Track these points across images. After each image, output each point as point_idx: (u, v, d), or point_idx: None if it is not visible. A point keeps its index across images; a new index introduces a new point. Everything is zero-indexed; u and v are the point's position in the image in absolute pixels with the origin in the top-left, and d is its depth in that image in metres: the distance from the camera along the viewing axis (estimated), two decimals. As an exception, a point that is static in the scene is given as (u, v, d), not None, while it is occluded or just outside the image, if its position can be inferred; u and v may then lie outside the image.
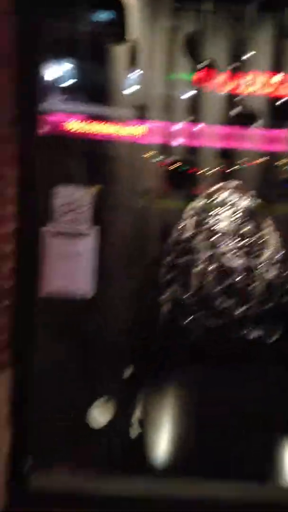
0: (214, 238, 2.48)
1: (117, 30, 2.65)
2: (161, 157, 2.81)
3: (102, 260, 2.15)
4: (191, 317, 2.42)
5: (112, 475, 2.15)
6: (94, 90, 2.80)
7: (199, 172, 2.79)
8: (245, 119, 2.81)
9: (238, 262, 2.47)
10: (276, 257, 2.53)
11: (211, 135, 2.84)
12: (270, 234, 2.55)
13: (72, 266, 2.09)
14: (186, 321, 2.42)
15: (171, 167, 2.79)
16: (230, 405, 2.32)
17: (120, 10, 2.61)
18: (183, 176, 2.79)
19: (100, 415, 2.44)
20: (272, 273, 2.49)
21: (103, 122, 2.76)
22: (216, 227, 2.51)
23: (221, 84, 2.83)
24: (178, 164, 2.79)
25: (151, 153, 2.79)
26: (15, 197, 1.94)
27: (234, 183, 2.62)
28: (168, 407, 2.43)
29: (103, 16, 2.70)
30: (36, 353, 2.06)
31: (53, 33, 2.29)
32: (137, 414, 2.44)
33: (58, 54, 2.65)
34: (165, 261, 2.53)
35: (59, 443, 2.17)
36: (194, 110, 2.84)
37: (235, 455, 2.24)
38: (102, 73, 2.83)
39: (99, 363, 2.40)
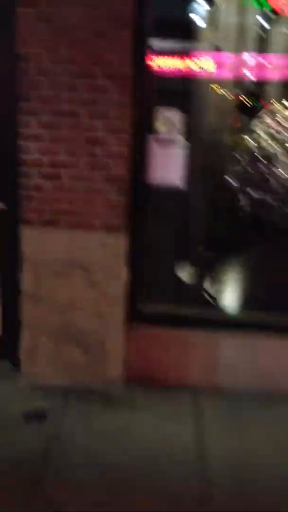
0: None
1: None
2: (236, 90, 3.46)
3: (188, 163, 3.08)
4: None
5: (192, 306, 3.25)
6: (180, 28, 3.47)
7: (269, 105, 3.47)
8: None
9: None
10: None
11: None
12: None
13: (169, 163, 3.04)
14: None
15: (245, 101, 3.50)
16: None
17: None
18: (252, 108, 3.50)
19: (184, 274, 3.49)
20: None
21: (189, 58, 3.46)
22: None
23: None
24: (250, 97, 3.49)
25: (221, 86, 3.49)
26: (131, 114, 2.88)
27: None
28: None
29: None
30: (145, 224, 3.08)
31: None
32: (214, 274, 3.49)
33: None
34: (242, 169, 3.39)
35: (161, 285, 3.27)
36: (270, 42, 3.40)
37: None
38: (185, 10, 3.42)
39: (188, 236, 3.43)
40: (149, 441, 2.68)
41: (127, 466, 2.49)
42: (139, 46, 2.85)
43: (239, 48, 3.47)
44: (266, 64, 3.48)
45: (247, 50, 3.46)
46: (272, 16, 3.32)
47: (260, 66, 3.50)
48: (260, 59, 3.49)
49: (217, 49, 3.47)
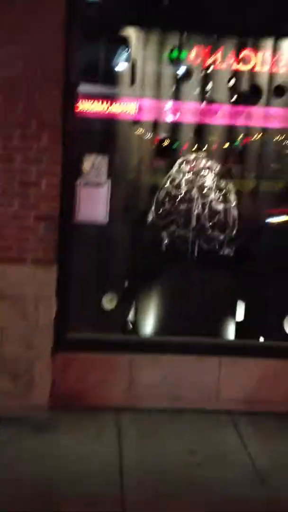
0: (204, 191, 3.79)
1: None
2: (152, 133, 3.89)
3: (112, 202, 3.43)
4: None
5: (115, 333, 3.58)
6: (107, 75, 3.84)
7: (186, 147, 3.93)
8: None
9: (219, 207, 3.80)
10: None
11: (197, 112, 3.90)
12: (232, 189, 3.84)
13: (94, 202, 3.36)
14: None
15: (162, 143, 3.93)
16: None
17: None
18: (172, 150, 3.94)
19: (108, 303, 3.80)
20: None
21: (113, 102, 3.80)
22: (205, 184, 3.80)
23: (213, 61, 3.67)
24: (168, 140, 3.93)
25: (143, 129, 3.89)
26: (61, 159, 3.17)
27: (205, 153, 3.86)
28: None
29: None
30: (72, 258, 3.37)
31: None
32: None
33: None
34: (163, 208, 3.82)
35: (85, 314, 3.55)
36: (185, 88, 3.78)
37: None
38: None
39: (111, 268, 3.76)
40: (73, 459, 2.93)
41: (53, 481, 2.73)
42: (69, 97, 3.18)
43: (158, 94, 3.90)
44: (183, 109, 3.94)
45: (166, 96, 3.90)
46: (187, 65, 3.81)
47: (177, 111, 3.94)
48: (178, 105, 3.93)
49: (139, 94, 3.87)
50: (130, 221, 3.79)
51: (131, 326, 3.87)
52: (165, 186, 3.86)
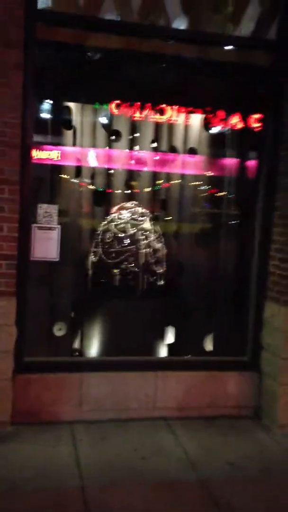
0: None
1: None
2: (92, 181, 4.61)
3: (62, 243, 4.08)
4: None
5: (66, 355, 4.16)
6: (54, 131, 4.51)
7: (114, 192, 4.70)
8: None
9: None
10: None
11: (124, 159, 4.68)
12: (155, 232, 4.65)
13: (47, 244, 3.99)
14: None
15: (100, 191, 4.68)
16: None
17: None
18: (101, 195, 4.67)
19: (58, 331, 4.38)
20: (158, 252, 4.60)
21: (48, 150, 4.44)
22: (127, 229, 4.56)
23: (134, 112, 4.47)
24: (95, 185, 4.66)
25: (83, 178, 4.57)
26: (20, 209, 3.78)
27: (135, 202, 4.65)
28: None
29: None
30: (28, 291, 3.94)
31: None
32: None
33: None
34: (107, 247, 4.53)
35: (40, 340, 4.10)
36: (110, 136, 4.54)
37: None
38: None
39: (61, 300, 4.36)
40: (36, 461, 3.42)
41: (18, 479, 3.22)
42: (25, 158, 3.83)
43: (94, 145, 4.66)
44: (116, 157, 4.68)
45: (97, 145, 4.64)
46: (112, 115, 4.51)
47: (111, 158, 4.69)
48: (111, 152, 4.67)
49: (79, 144, 4.55)
50: (77, 259, 4.46)
51: (80, 349, 4.47)
52: (109, 228, 4.60)
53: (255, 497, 3.22)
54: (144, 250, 4.61)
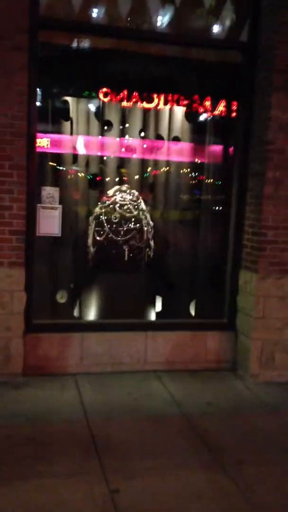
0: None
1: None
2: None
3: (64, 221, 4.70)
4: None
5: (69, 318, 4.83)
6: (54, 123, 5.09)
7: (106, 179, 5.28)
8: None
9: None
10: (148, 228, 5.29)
11: (115, 146, 5.26)
12: (145, 214, 5.26)
13: (50, 222, 4.60)
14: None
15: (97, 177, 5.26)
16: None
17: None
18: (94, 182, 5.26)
19: (60, 298, 5.03)
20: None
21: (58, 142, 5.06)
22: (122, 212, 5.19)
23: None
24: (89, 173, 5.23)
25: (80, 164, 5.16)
26: (27, 190, 4.38)
27: (126, 186, 5.26)
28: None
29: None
30: (35, 262, 4.57)
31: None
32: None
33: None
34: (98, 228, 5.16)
35: (46, 305, 4.76)
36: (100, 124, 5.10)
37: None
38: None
39: (63, 270, 5.01)
40: (46, 402, 4.10)
41: (33, 415, 3.88)
42: (31, 147, 4.42)
43: (89, 133, 5.23)
44: (109, 145, 5.25)
45: (93, 133, 5.21)
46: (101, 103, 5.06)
47: (104, 146, 5.27)
48: (106, 140, 5.26)
49: (75, 133, 5.11)
50: (77, 235, 5.09)
51: (81, 313, 5.13)
52: (109, 210, 5.22)
53: (226, 426, 3.93)
54: (132, 226, 5.25)
